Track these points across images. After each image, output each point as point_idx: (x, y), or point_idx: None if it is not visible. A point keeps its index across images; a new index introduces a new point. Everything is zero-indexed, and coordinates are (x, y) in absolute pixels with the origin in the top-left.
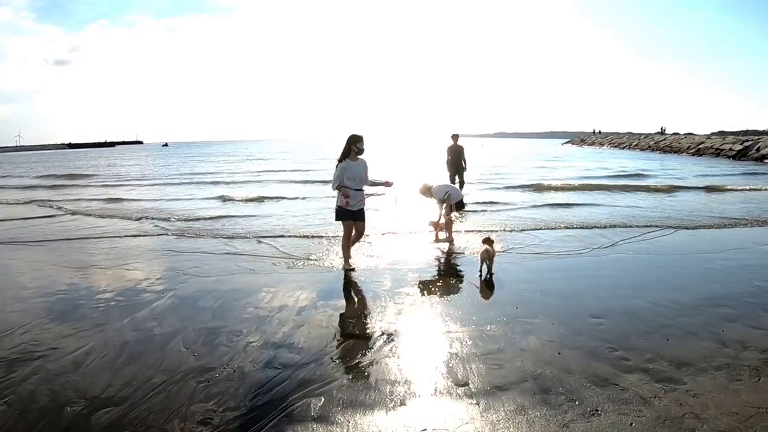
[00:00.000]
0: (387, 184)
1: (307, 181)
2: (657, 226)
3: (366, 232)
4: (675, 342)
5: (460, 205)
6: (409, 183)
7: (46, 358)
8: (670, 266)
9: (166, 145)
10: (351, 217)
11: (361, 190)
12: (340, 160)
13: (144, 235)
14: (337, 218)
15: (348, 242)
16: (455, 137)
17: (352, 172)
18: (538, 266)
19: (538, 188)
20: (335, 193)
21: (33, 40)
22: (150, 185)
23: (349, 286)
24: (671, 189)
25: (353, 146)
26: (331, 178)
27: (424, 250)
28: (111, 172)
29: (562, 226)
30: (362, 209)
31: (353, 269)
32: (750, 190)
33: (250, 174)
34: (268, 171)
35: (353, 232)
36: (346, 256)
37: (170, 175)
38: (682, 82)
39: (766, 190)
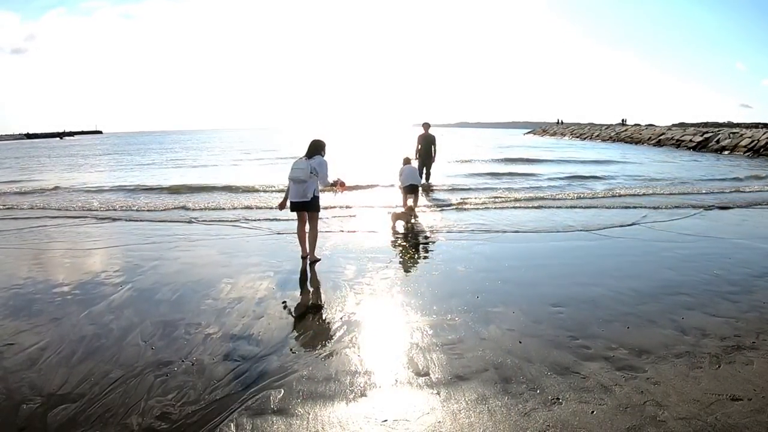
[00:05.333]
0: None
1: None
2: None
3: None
4: (635, 330)
5: (411, 188)
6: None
7: (0, 355)
8: (627, 254)
9: (62, 137)
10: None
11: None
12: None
13: None
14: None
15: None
16: (426, 126)
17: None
18: (498, 255)
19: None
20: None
21: None
22: None
23: (309, 276)
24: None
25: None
26: None
27: (384, 238)
28: None
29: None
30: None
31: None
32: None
33: None
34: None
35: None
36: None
37: None
38: (644, 72)
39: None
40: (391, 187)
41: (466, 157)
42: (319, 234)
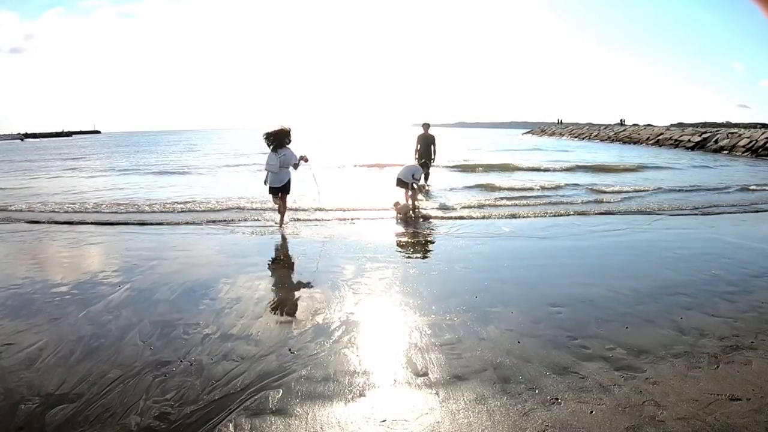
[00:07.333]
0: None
1: None
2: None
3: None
4: (634, 330)
5: (400, 182)
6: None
7: None
8: (626, 255)
9: (24, 138)
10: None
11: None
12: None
13: None
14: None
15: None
16: (426, 126)
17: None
18: (497, 255)
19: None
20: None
21: None
22: None
23: (308, 276)
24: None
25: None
26: None
27: (382, 238)
28: None
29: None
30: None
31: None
32: None
33: None
34: None
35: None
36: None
37: None
38: (642, 73)
39: None
40: (390, 189)
41: (468, 160)
42: (318, 236)
